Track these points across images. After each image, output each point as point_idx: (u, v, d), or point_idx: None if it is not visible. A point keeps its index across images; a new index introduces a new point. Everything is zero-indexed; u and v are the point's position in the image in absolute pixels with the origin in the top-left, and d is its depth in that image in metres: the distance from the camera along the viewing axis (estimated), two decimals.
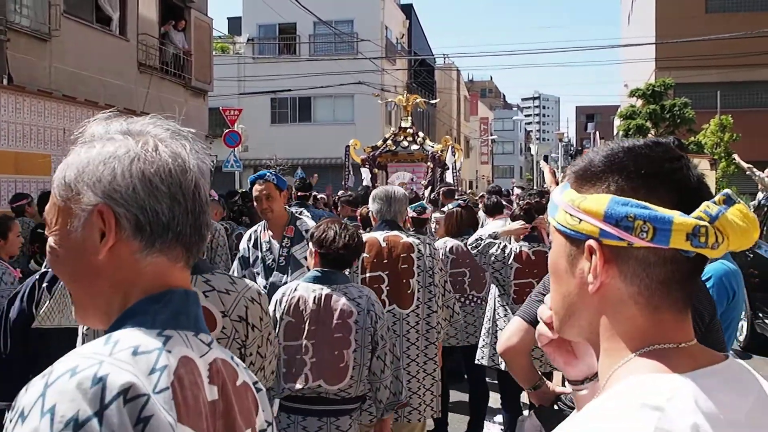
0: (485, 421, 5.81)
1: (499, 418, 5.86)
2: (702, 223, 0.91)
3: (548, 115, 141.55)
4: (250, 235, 4.81)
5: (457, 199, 7.93)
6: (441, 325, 4.42)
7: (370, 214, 4.67)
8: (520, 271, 4.87)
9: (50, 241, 1.11)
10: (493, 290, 5.12)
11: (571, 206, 0.98)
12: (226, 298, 2.15)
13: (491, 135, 58.70)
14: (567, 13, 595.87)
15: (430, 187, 13.95)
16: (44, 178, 10.60)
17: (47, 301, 3.32)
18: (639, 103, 26.78)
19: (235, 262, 4.88)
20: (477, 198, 13.12)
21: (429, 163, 14.85)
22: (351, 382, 3.20)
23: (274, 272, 4.58)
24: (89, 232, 1.07)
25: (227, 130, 16.82)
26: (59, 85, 11.64)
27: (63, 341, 3.19)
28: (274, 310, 3.22)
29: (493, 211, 7.49)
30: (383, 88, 28.91)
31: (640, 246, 0.93)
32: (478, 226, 6.71)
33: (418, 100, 16.49)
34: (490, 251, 4.88)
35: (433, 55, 46.06)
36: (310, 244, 3.37)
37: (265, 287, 4.48)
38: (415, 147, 15.12)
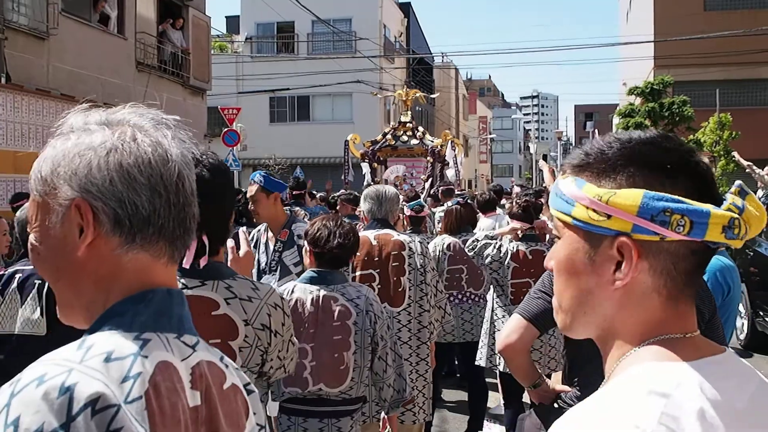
0: (485, 421, 5.79)
1: (498, 411, 5.85)
2: (735, 215, 0.94)
3: (547, 114, 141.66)
4: (253, 235, 4.78)
5: (457, 196, 7.88)
6: (433, 325, 4.41)
7: (361, 213, 4.64)
8: (518, 271, 4.87)
9: (31, 238, 1.07)
10: (491, 291, 5.12)
11: (598, 202, 0.96)
12: (249, 305, 2.08)
13: (490, 134, 58.68)
14: (565, 12, 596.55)
15: (429, 182, 13.91)
16: None
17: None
18: (638, 101, 26.78)
19: None
20: (477, 194, 13.10)
21: (429, 158, 14.79)
22: (352, 384, 3.17)
23: (266, 275, 4.53)
24: (68, 227, 1.03)
25: (226, 129, 16.78)
26: (57, 84, 11.62)
27: (13, 348, 3.13)
28: None
29: (485, 207, 7.48)
30: (382, 87, 28.89)
31: (672, 240, 0.94)
32: (476, 224, 6.69)
33: (417, 95, 16.44)
34: (486, 252, 4.89)
35: (431, 53, 46.07)
36: (305, 243, 3.31)
37: None
38: (414, 141, 15.05)
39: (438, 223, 7.14)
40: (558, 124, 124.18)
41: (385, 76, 31.97)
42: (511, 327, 2.74)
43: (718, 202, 0.96)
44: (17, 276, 3.28)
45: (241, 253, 2.46)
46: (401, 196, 5.73)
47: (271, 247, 4.59)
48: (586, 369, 2.51)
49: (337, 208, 9.40)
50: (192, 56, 16.39)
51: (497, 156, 74.67)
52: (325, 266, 3.21)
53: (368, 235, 4.30)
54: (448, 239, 5.95)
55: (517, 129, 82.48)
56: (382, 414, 3.47)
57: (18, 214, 3.56)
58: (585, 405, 0.94)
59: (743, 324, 8.87)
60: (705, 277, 3.27)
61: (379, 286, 4.22)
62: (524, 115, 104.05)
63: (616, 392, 0.92)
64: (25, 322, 3.19)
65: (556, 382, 2.81)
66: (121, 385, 0.92)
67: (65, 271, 1.05)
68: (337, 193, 10.40)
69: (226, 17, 40.36)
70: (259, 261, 4.61)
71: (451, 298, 5.76)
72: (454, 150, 14.88)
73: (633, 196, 0.94)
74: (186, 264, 2.01)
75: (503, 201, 10.84)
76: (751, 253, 8.67)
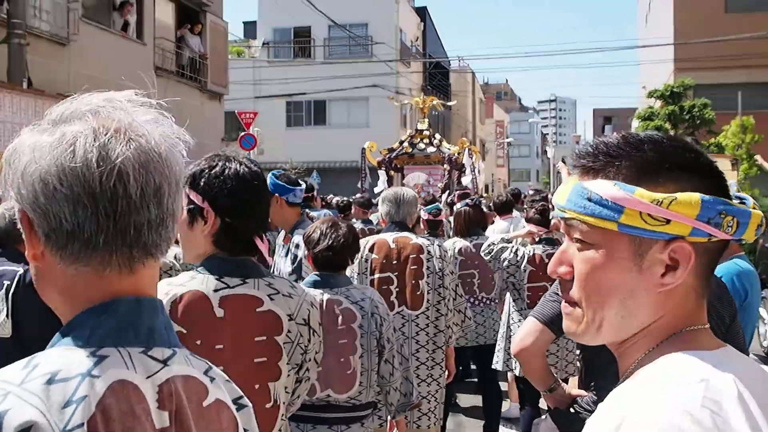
0: (501, 426, 5.76)
1: (511, 411, 5.82)
2: (763, 214, 1.02)
3: (565, 118, 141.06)
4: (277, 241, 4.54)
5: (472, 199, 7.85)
6: (452, 330, 4.37)
7: (380, 216, 4.61)
8: (534, 274, 4.88)
9: None
10: (508, 295, 5.12)
11: (657, 207, 0.96)
12: (291, 301, 2.09)
13: (507, 138, 58.52)
14: (583, 15, 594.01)
15: (447, 191, 13.88)
16: None
17: None
18: (657, 104, 26.57)
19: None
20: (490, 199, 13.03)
21: (445, 166, 14.75)
22: (360, 389, 3.10)
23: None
24: (27, 238, 0.97)
25: (243, 133, 16.86)
26: (77, 88, 11.41)
27: None
28: None
29: (501, 210, 7.45)
30: (398, 91, 28.92)
31: (714, 240, 0.98)
32: (487, 226, 6.67)
33: (434, 102, 16.39)
34: (503, 255, 4.90)
35: (447, 57, 46.03)
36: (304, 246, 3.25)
37: None
38: (431, 149, 15.00)
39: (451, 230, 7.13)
40: (576, 128, 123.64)
41: (401, 80, 31.99)
42: (526, 330, 2.72)
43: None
44: None
45: None
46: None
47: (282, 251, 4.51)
48: (603, 373, 2.49)
49: (351, 211, 9.43)
50: (210, 61, 16.49)
51: (514, 160, 74.47)
52: (323, 269, 3.14)
53: (386, 238, 4.27)
54: (459, 243, 5.94)
55: (534, 133, 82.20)
56: (389, 418, 3.40)
57: None
58: (625, 397, 0.94)
59: (766, 331, 8.75)
60: (725, 279, 3.23)
61: (397, 289, 4.20)
62: (542, 119, 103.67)
63: (656, 380, 0.93)
64: None
65: (573, 386, 2.79)
66: (63, 410, 0.84)
67: (41, 281, 1.00)
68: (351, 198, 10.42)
69: (243, 22, 40.62)
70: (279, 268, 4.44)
71: None
72: (472, 158, 14.83)
73: (693, 200, 0.96)
74: (269, 261, 2.10)
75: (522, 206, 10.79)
76: None
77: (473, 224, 6.05)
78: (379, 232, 7.18)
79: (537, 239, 5.02)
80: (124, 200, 0.93)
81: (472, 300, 5.86)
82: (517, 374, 4.78)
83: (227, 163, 2.06)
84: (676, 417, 0.85)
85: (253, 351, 2.01)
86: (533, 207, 5.86)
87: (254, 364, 2.01)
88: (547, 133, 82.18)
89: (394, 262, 4.21)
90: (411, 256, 4.22)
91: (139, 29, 14.21)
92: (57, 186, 0.91)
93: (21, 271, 3.23)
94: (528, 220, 5.15)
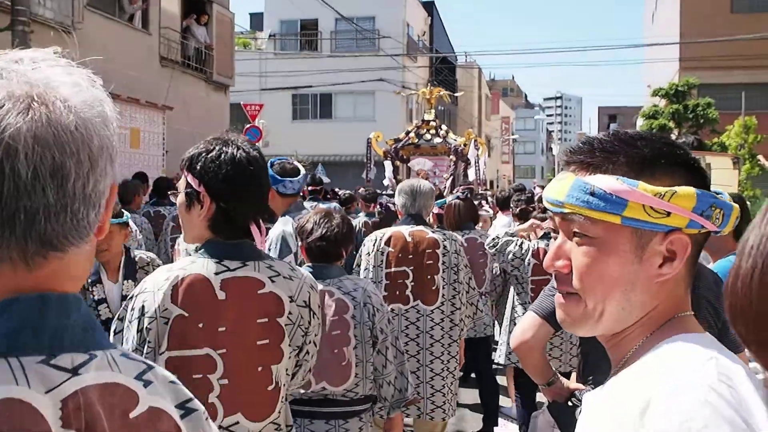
0: (500, 419, 5.78)
1: (512, 410, 5.84)
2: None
3: (570, 115, 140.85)
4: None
5: (463, 192, 7.83)
6: (464, 322, 4.38)
7: (396, 207, 4.58)
8: (538, 268, 4.93)
9: None
10: (512, 289, 5.19)
11: (659, 200, 1.00)
12: (291, 283, 2.09)
13: (512, 134, 58.46)
14: (590, 12, 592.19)
15: (451, 180, 13.85)
16: None
17: None
18: (662, 103, 26.53)
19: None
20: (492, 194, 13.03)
21: (451, 157, 14.72)
22: (356, 381, 3.05)
23: None
24: None
25: (248, 126, 16.85)
26: None
27: None
28: None
29: (504, 205, 7.45)
30: (404, 86, 28.87)
31: (703, 231, 1.04)
32: (478, 220, 6.65)
33: (441, 93, 16.34)
34: (508, 248, 4.96)
35: (454, 53, 45.97)
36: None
37: None
38: (438, 140, 14.93)
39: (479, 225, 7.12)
40: (581, 126, 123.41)
41: (407, 74, 31.96)
42: (525, 324, 2.73)
43: None
44: None
45: None
46: None
47: None
48: (601, 367, 2.49)
49: (355, 204, 9.44)
50: (215, 52, 16.48)
51: (519, 157, 74.39)
52: (317, 260, 3.10)
53: (402, 231, 4.24)
54: None
55: (539, 130, 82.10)
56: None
57: None
58: (639, 379, 0.98)
59: None
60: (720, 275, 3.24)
61: (412, 284, 4.19)
62: (547, 116, 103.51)
63: (672, 362, 0.96)
64: None
65: (572, 380, 2.80)
66: None
67: None
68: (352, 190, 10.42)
69: (250, 14, 40.61)
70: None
71: None
72: (478, 149, 14.79)
73: (690, 194, 1.01)
74: (259, 245, 2.05)
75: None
76: None
77: (464, 218, 6.02)
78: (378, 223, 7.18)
79: (541, 234, 5.09)
80: (11, 181, 0.77)
81: None
82: (520, 367, 4.82)
83: (224, 147, 2.05)
84: (702, 393, 0.89)
85: (256, 333, 2.01)
86: (518, 205, 5.96)
87: (257, 346, 2.01)
88: (553, 130, 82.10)
89: (410, 256, 4.20)
90: (427, 251, 4.20)
91: (144, 18, 14.21)
92: None
93: None
94: (516, 216, 5.23)
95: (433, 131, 15.06)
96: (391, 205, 5.93)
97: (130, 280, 3.71)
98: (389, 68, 28.95)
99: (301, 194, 4.57)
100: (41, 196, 0.79)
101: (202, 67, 16.12)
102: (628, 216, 1.01)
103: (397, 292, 4.20)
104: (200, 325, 1.95)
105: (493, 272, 5.84)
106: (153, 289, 1.98)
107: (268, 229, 4.69)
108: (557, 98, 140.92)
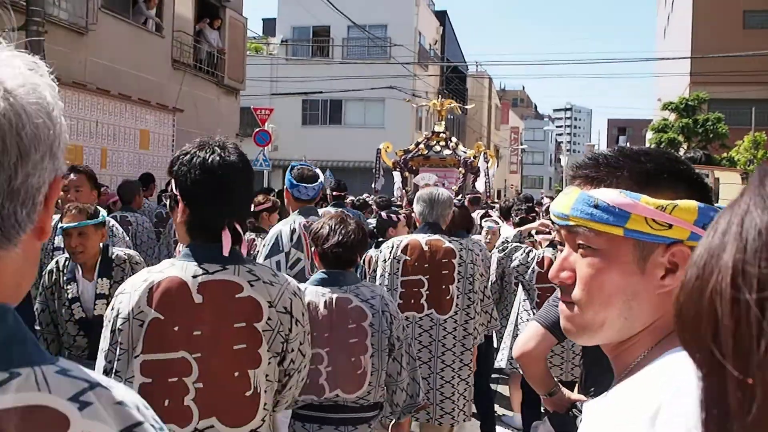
0: (497, 427, 5.77)
1: (514, 419, 5.82)
2: None
3: (579, 127, 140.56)
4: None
5: (458, 200, 7.82)
6: (478, 330, 4.38)
7: (413, 216, 4.59)
8: (542, 276, 4.98)
9: None
10: (519, 295, 5.24)
11: (662, 212, 1.03)
12: (271, 288, 2.06)
13: (521, 144, 58.43)
14: (602, 25, 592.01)
15: (460, 195, 13.88)
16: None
17: None
18: (672, 117, 26.50)
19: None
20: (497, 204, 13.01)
21: (461, 169, 14.72)
22: (369, 389, 3.00)
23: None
24: None
25: (257, 129, 16.91)
26: (94, 78, 11.80)
27: None
28: None
29: (508, 214, 7.45)
30: (414, 94, 28.93)
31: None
32: (472, 228, 6.64)
33: (452, 105, 16.32)
34: (515, 254, 5.05)
35: (465, 62, 46.00)
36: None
37: None
38: (447, 152, 14.92)
39: (487, 237, 7.16)
40: (590, 138, 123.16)
41: (418, 83, 32.00)
42: (528, 334, 2.73)
43: None
44: None
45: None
46: None
47: None
48: (602, 378, 2.50)
49: (368, 211, 9.46)
50: (227, 56, 16.54)
51: (528, 167, 74.30)
52: (331, 266, 3.03)
53: (419, 239, 4.23)
54: None
55: (548, 141, 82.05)
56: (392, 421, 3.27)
57: None
58: (649, 386, 0.98)
59: None
60: None
61: (427, 292, 4.18)
62: (557, 127, 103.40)
63: (679, 370, 0.96)
64: None
65: (574, 391, 2.80)
66: None
67: None
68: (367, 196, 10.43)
69: (262, 19, 40.71)
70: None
71: None
72: (487, 162, 14.79)
73: (692, 207, 1.03)
74: (225, 252, 2.01)
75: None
76: None
77: (458, 226, 6.00)
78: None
79: (547, 243, 5.14)
80: None
81: None
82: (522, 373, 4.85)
83: (198, 152, 2.03)
84: None
85: (233, 337, 1.99)
86: (518, 214, 6.00)
87: (233, 351, 1.98)
88: (562, 142, 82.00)
89: (426, 265, 4.18)
90: (443, 260, 4.19)
91: (158, 21, 14.29)
92: None
93: None
94: (515, 225, 5.28)
95: (443, 143, 15.05)
96: (393, 216, 5.91)
97: (104, 278, 3.70)
98: (400, 76, 28.98)
99: (326, 199, 4.59)
100: None
101: (214, 71, 16.18)
102: (630, 228, 1.03)
103: (412, 301, 4.19)
104: (176, 328, 1.94)
105: (489, 280, 5.84)
106: (130, 290, 1.97)
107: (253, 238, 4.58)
108: (567, 109, 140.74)
